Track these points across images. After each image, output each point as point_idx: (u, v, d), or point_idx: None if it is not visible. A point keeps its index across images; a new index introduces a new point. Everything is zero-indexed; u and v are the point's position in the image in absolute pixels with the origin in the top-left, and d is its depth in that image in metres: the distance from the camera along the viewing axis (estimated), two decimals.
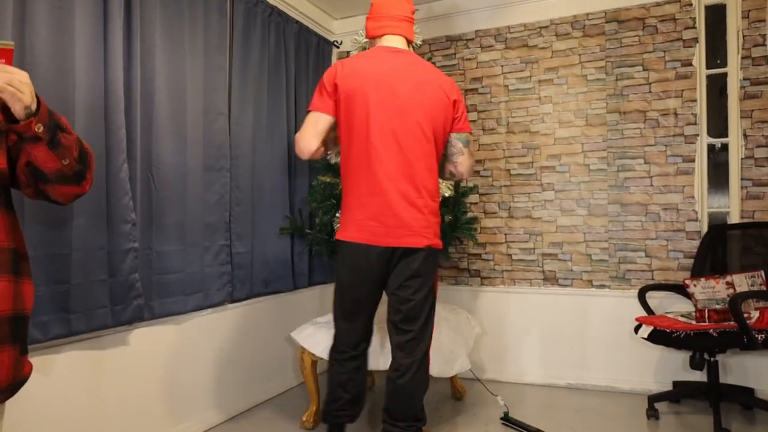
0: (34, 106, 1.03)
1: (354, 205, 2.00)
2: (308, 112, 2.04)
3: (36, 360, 1.87)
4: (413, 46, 2.89)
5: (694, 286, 2.57)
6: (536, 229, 3.38)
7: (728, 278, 2.51)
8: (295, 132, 3.33)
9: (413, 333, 2.04)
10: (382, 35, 2.10)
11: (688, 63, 3.06)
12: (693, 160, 3.05)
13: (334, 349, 2.15)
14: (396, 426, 2.05)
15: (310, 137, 1.99)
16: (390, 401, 2.07)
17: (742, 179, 2.95)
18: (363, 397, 2.20)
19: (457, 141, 2.12)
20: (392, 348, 2.09)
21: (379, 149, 1.94)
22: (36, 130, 1.04)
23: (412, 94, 1.98)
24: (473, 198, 3.52)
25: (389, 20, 2.09)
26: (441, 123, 2.04)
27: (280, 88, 3.19)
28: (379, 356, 2.43)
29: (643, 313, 2.87)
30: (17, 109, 1.00)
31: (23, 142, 1.08)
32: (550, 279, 3.35)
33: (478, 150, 3.53)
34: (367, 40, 2.21)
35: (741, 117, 2.96)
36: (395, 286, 2.04)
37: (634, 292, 3.00)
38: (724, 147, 3.02)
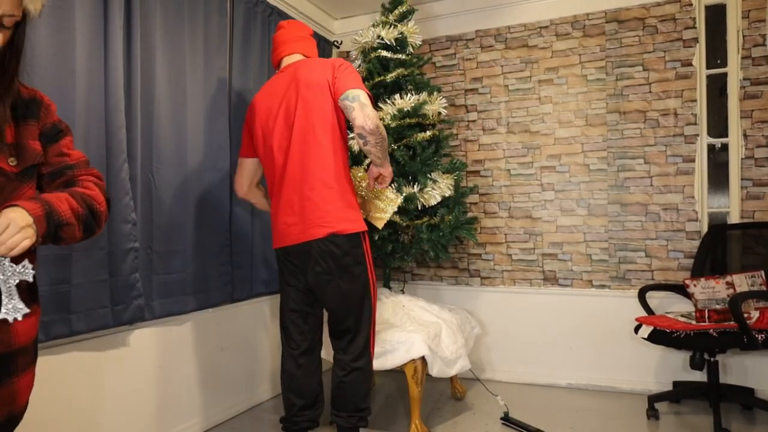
0: (33, 239, 0.98)
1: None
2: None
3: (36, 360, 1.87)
4: (412, 46, 2.91)
5: (694, 286, 2.57)
6: (536, 229, 3.39)
7: (728, 278, 2.51)
8: None
9: None
10: (280, 60, 2.28)
11: (688, 63, 3.06)
12: (693, 160, 3.05)
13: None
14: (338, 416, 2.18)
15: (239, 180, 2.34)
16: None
17: (742, 179, 2.95)
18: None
19: (343, 101, 2.05)
20: None
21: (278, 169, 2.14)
22: (35, 245, 1.02)
23: (295, 101, 2.09)
24: (473, 198, 3.52)
25: (283, 45, 2.27)
26: (330, 106, 2.09)
27: None
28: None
29: (643, 313, 2.87)
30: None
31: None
32: (550, 279, 3.35)
33: (478, 150, 3.53)
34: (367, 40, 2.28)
35: (741, 117, 2.96)
36: None
37: (634, 292, 3.00)
38: (724, 147, 3.02)
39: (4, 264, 0.96)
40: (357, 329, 2.12)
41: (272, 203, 2.22)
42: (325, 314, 2.29)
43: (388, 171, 2.20)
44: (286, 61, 2.26)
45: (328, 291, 2.08)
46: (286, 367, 2.20)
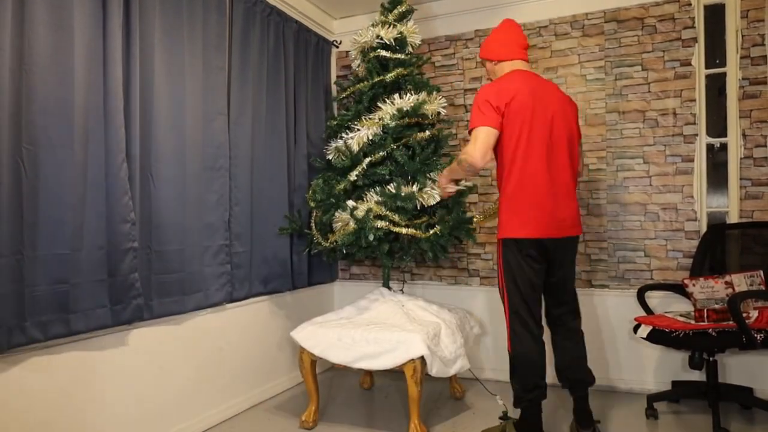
0: None
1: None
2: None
3: (35, 360, 1.87)
4: (411, 46, 2.93)
5: (693, 285, 2.57)
6: None
7: (727, 278, 2.51)
8: (294, 131, 3.35)
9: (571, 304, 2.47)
10: (514, 59, 2.44)
11: (687, 63, 3.06)
12: (692, 160, 3.05)
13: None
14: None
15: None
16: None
17: (741, 179, 2.96)
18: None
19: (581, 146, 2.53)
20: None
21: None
22: None
23: (560, 112, 2.35)
24: (473, 198, 3.52)
25: (518, 47, 2.47)
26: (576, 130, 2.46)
27: (280, 87, 3.19)
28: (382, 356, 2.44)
29: (642, 312, 2.87)
30: None
31: None
32: None
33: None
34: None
35: (740, 117, 2.96)
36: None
37: (633, 291, 3.00)
38: (723, 147, 3.02)
39: None
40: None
41: (533, 190, 2.27)
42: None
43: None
44: (522, 65, 2.44)
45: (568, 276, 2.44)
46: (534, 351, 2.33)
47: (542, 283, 2.36)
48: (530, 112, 2.25)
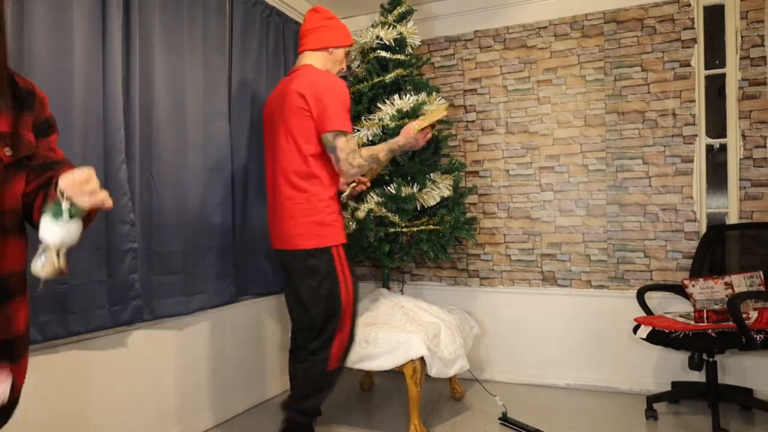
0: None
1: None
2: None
3: (34, 360, 1.87)
4: (411, 47, 2.92)
5: (693, 286, 2.57)
6: (535, 230, 3.39)
7: (727, 278, 2.51)
8: None
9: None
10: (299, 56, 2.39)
11: (686, 63, 3.07)
12: (691, 161, 3.05)
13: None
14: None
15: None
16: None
17: (740, 180, 2.96)
18: None
19: (325, 143, 2.18)
20: None
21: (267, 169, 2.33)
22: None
23: (278, 111, 2.23)
24: (472, 198, 3.53)
25: (300, 39, 2.38)
26: (301, 128, 2.16)
27: None
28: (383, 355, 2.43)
29: (641, 313, 2.87)
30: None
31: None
32: (548, 279, 3.35)
33: (477, 150, 3.53)
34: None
35: (739, 117, 2.96)
36: None
37: (633, 292, 3.01)
38: (723, 147, 3.02)
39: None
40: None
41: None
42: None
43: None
44: (299, 61, 2.38)
45: None
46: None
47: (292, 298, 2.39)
48: (266, 124, 2.35)
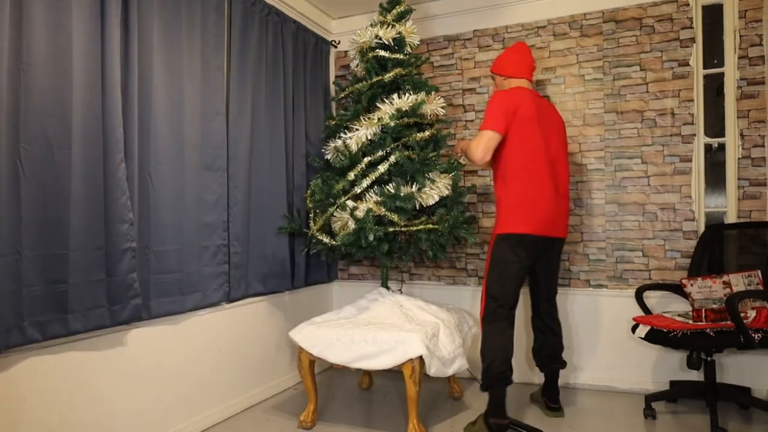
0: None
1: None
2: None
3: (34, 360, 1.87)
4: (410, 46, 2.95)
5: (691, 285, 2.57)
6: None
7: (725, 278, 2.51)
8: (293, 131, 3.35)
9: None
10: (521, 78, 2.70)
11: (685, 63, 3.07)
12: (690, 160, 3.05)
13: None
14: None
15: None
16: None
17: (738, 179, 2.96)
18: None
19: None
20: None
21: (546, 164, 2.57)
22: None
23: (554, 124, 2.67)
24: (471, 198, 3.53)
25: (527, 69, 2.72)
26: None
27: (278, 87, 3.19)
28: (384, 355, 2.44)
29: (640, 312, 2.87)
30: None
31: None
32: None
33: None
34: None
35: (738, 117, 2.97)
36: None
37: (632, 291, 3.01)
38: (721, 147, 3.03)
39: None
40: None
41: (534, 189, 2.51)
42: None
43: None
44: (527, 84, 2.71)
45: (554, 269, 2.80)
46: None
47: (526, 276, 2.64)
48: (535, 121, 2.51)
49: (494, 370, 2.43)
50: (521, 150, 2.51)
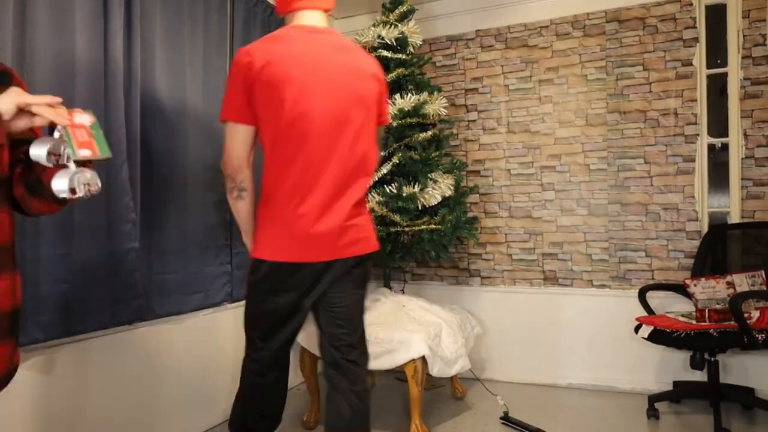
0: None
1: None
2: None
3: (36, 360, 1.87)
4: (413, 46, 2.89)
5: (695, 285, 2.57)
6: (536, 229, 3.38)
7: (728, 278, 2.51)
8: None
9: None
10: (294, 10, 1.70)
11: (688, 63, 3.06)
12: (693, 160, 3.05)
13: None
14: None
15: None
16: None
17: (742, 179, 2.95)
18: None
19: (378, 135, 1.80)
20: None
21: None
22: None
23: (350, 88, 1.65)
24: (473, 198, 3.52)
25: None
26: (375, 115, 1.73)
27: None
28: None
29: (643, 312, 2.87)
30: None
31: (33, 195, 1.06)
32: (550, 279, 3.35)
33: (478, 150, 3.53)
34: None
35: (741, 117, 2.96)
36: None
37: (635, 291, 3.00)
38: (725, 147, 3.02)
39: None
40: None
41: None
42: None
43: None
44: (306, 17, 1.69)
45: None
46: None
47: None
48: (291, 84, 1.55)
49: None
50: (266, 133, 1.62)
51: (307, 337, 2.63)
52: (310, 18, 1.70)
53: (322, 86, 1.60)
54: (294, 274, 1.66)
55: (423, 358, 2.41)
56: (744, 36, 2.95)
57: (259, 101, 1.58)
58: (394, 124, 2.84)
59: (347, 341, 1.75)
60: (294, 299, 1.71)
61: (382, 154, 2.91)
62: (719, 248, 2.91)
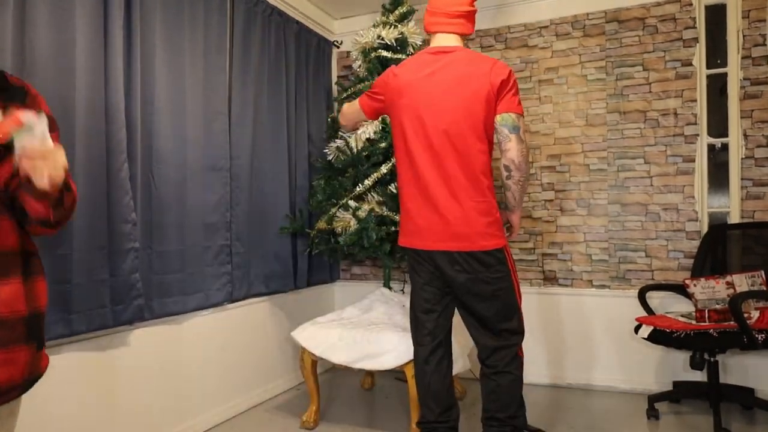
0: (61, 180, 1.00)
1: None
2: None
3: None
4: (413, 46, 2.91)
5: (694, 286, 2.57)
6: (536, 229, 3.38)
7: (728, 278, 2.51)
8: (295, 131, 3.35)
9: None
10: (435, 32, 2.09)
11: (688, 63, 3.06)
12: (693, 160, 3.05)
13: None
14: None
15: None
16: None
17: (742, 179, 2.95)
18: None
19: (501, 127, 1.95)
20: None
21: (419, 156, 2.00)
22: (51, 196, 1.04)
23: (445, 96, 1.95)
24: None
25: (443, 17, 2.06)
26: (484, 115, 1.94)
27: (280, 87, 3.19)
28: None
29: (643, 313, 2.87)
30: (44, 185, 0.98)
31: (24, 190, 1.05)
32: (550, 279, 3.35)
33: None
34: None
35: (741, 117, 2.96)
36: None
37: (634, 292, 3.00)
38: (725, 147, 3.02)
39: None
40: None
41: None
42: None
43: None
44: (441, 39, 2.07)
45: None
46: None
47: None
48: (405, 98, 2.00)
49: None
50: (395, 141, 2.09)
51: (309, 338, 2.63)
52: (443, 40, 2.07)
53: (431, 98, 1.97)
54: None
55: None
56: (744, 36, 2.95)
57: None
58: None
59: None
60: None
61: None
62: (719, 248, 2.91)
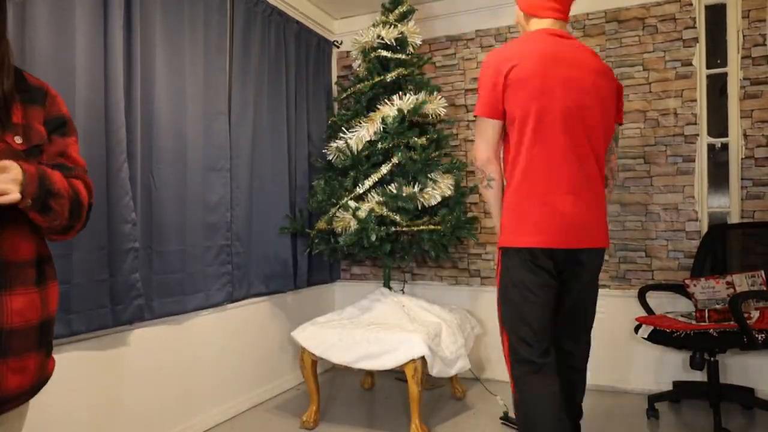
0: (18, 196, 0.97)
1: None
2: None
3: None
4: (412, 46, 2.89)
5: (694, 286, 2.57)
6: None
7: (728, 278, 2.51)
8: (295, 131, 3.35)
9: None
10: (545, 18, 1.82)
11: (688, 63, 3.06)
12: (693, 160, 3.05)
13: None
14: None
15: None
16: None
17: (742, 179, 2.95)
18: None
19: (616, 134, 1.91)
20: None
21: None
22: (24, 205, 1.01)
23: (585, 87, 1.73)
24: (473, 198, 3.52)
25: (554, 2, 1.81)
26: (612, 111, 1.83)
27: (280, 87, 3.19)
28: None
29: (643, 312, 2.87)
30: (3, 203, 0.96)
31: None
32: None
33: None
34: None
35: (741, 117, 2.96)
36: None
37: (634, 291, 3.00)
38: (724, 147, 3.02)
39: None
40: None
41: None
42: None
43: None
44: (550, 25, 1.81)
45: None
46: None
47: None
48: (538, 83, 1.68)
49: None
50: (516, 127, 1.74)
51: (309, 338, 2.63)
52: (551, 24, 1.83)
53: (562, 82, 1.71)
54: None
55: (423, 358, 2.41)
56: (744, 36, 2.95)
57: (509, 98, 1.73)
58: (394, 124, 2.84)
59: None
60: None
61: (382, 150, 2.91)
62: (719, 248, 2.91)
